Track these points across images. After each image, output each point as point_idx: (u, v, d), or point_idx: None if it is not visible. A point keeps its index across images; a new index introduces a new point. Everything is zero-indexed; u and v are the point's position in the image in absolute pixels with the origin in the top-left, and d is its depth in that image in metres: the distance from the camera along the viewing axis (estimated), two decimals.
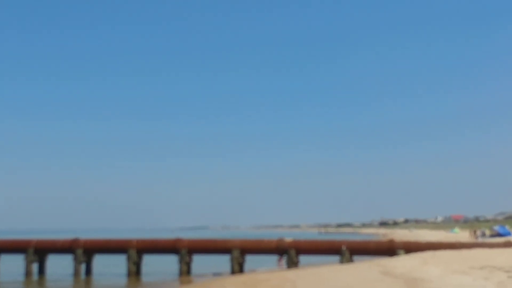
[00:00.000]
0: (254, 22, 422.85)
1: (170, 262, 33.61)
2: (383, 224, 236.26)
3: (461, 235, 71.07)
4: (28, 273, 31.96)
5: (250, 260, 32.73)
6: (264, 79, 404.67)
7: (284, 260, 32.15)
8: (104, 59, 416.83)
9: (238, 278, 25.35)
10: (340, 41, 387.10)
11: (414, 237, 69.64)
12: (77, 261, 31.90)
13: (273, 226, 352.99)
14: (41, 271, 32.79)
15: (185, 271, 30.98)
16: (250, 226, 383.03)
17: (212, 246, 32.46)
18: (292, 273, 24.19)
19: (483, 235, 59.68)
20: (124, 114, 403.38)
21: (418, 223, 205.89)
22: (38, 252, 32.66)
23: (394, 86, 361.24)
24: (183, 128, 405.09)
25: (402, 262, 23.43)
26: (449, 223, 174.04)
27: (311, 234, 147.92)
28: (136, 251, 31.66)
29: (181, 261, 31.12)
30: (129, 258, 31.53)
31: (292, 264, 30.38)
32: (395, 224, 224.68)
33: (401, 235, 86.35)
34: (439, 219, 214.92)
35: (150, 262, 34.68)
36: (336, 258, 30.61)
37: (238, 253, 30.84)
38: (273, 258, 34.30)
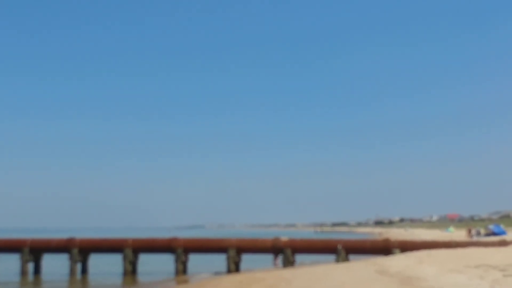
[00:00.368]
0: (253, 22, 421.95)
1: (166, 261, 33.61)
2: (379, 223, 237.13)
3: (456, 234, 71.21)
4: (23, 273, 31.84)
5: (246, 259, 32.77)
6: (262, 79, 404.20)
7: (280, 259, 32.21)
8: (103, 59, 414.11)
9: (234, 277, 25.35)
10: (340, 41, 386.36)
11: (409, 236, 69.79)
12: (72, 261, 31.82)
13: (269, 225, 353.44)
14: (37, 270, 32.72)
15: (181, 270, 31.01)
16: (245, 225, 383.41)
17: (208, 245, 32.49)
18: (288, 272, 24.20)
19: (478, 234, 59.78)
20: (121, 114, 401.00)
21: (414, 222, 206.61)
22: (33, 251, 32.57)
23: (394, 86, 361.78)
24: (178, 128, 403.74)
25: (397, 261, 23.48)
26: (444, 222, 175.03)
27: (307, 233, 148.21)
28: (132, 250, 31.64)
29: (177, 260, 31.13)
30: (125, 258, 31.51)
31: (288, 263, 30.45)
32: (391, 223, 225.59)
33: (396, 234, 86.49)
34: (434, 218, 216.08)
35: (146, 261, 34.66)
36: (332, 257, 30.72)
37: (234, 252, 30.90)
38: (269, 257, 34.31)
